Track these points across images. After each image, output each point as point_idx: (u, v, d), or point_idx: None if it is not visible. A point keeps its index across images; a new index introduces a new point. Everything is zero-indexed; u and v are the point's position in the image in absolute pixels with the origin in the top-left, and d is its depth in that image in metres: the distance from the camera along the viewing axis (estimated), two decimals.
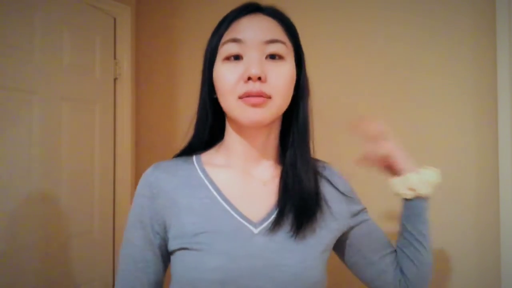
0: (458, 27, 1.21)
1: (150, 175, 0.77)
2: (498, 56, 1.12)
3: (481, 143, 1.17)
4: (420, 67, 1.27)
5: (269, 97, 0.69)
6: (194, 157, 0.80)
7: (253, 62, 0.68)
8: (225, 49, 0.71)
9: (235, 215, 0.73)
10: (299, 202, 0.73)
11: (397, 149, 0.82)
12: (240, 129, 0.76)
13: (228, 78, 0.70)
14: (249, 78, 0.68)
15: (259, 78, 0.68)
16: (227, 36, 0.72)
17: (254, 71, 0.67)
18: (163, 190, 0.75)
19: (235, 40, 0.70)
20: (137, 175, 2.03)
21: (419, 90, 1.27)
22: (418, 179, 0.79)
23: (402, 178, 0.81)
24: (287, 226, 0.72)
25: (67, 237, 1.72)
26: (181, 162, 0.79)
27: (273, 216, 0.73)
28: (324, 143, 1.47)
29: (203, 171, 0.78)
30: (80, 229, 1.79)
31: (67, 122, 1.72)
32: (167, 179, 0.76)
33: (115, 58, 1.99)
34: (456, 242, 1.20)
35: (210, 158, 0.80)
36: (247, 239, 0.70)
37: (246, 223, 0.72)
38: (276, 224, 0.72)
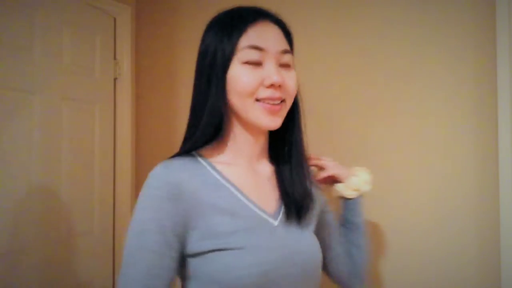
0: (458, 27, 1.21)
1: (166, 174, 0.73)
2: (498, 56, 1.12)
3: (481, 143, 1.17)
4: (420, 67, 1.27)
5: (284, 101, 0.78)
6: (197, 156, 0.80)
7: (275, 71, 0.75)
8: (246, 54, 0.74)
9: (257, 210, 0.77)
10: (299, 195, 0.82)
11: (335, 168, 1.00)
12: (249, 128, 0.79)
13: (248, 81, 0.74)
14: (271, 85, 0.75)
15: (279, 86, 0.75)
16: (247, 41, 0.75)
17: (276, 79, 0.74)
18: (185, 191, 0.72)
19: (257, 48, 0.75)
20: (137, 175, 2.03)
21: (419, 90, 1.27)
22: (359, 181, 0.97)
23: (346, 182, 0.98)
24: (294, 216, 0.80)
25: (67, 237, 1.72)
26: (188, 161, 0.78)
27: (282, 209, 0.81)
28: (325, 144, 1.48)
29: (215, 169, 0.78)
30: (80, 229, 1.79)
31: (67, 122, 1.72)
32: (187, 179, 0.73)
33: (115, 58, 1.99)
34: (456, 242, 1.20)
35: (213, 156, 0.81)
36: (271, 232, 0.76)
37: (267, 217, 0.77)
38: (288, 215, 0.80)
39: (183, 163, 0.77)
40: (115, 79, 1.99)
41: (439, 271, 1.23)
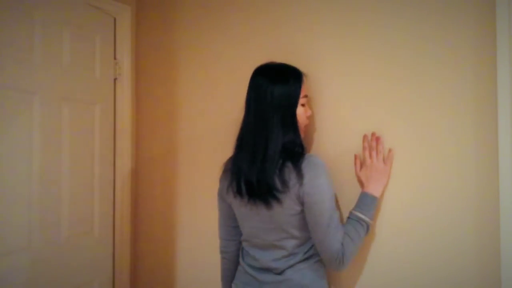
0: (458, 27, 1.21)
1: None
2: (498, 56, 1.12)
3: (481, 143, 1.17)
4: (420, 67, 1.27)
5: None
6: None
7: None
8: (302, 100, 1.27)
9: None
10: None
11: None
12: None
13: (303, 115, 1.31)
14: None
15: None
16: (303, 92, 1.27)
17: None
18: None
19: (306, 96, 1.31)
20: (137, 175, 2.03)
21: (419, 90, 1.27)
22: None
23: None
24: None
25: (67, 237, 1.72)
26: None
27: None
28: (328, 143, 1.47)
29: None
30: (80, 229, 1.79)
31: (67, 122, 1.72)
32: None
33: (115, 58, 1.99)
34: (456, 242, 1.20)
35: None
36: None
37: None
38: None
39: None
40: (115, 79, 1.99)
41: (439, 272, 1.23)
